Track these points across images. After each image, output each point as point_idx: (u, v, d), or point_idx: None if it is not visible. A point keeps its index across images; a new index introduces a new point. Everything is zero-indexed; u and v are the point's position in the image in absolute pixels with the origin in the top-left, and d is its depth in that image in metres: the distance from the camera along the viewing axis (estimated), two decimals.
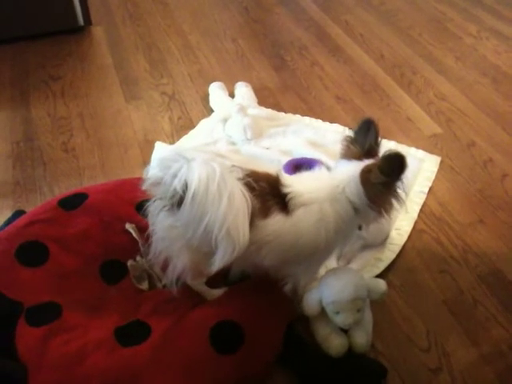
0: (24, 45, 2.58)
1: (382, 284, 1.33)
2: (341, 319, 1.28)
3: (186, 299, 1.33)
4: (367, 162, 1.19)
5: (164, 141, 2.00)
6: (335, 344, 1.30)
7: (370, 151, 1.21)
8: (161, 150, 1.92)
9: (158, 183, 1.15)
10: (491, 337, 1.40)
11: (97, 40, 2.67)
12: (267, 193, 1.18)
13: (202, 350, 1.20)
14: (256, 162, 1.84)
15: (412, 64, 2.49)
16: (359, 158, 1.21)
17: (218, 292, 1.36)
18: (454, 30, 2.75)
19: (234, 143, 1.99)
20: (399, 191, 1.18)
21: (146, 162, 1.90)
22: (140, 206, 1.40)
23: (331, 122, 2.10)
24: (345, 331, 1.32)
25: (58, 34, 2.64)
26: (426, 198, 1.78)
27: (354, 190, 1.18)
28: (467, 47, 2.61)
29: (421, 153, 1.96)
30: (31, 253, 1.37)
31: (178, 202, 1.11)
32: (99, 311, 1.31)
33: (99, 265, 1.41)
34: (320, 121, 2.11)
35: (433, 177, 1.86)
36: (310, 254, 1.25)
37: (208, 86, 2.25)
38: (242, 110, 2.03)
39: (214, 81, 2.28)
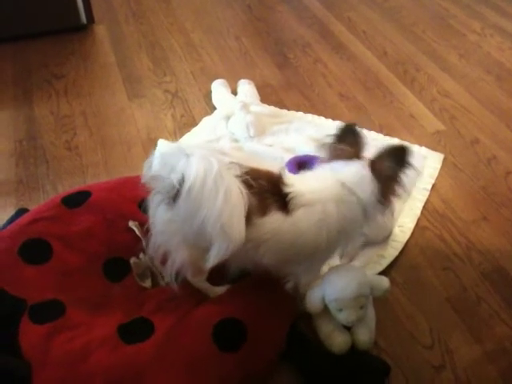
0: (26, 43, 2.58)
1: (384, 281, 1.33)
2: (344, 316, 1.28)
3: (189, 297, 1.33)
4: (365, 160, 1.19)
5: (167, 138, 1.99)
6: (338, 341, 1.30)
7: (360, 151, 1.24)
8: (163, 148, 1.92)
9: (157, 177, 1.16)
10: (494, 334, 1.40)
11: (100, 38, 2.67)
12: (266, 191, 1.18)
13: (205, 348, 1.20)
14: (259, 160, 1.84)
15: (415, 61, 2.48)
16: (355, 157, 1.22)
17: (220, 289, 1.36)
18: (457, 27, 2.74)
19: (236, 140, 1.98)
20: (404, 178, 1.22)
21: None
22: (143, 204, 1.40)
23: (334, 119, 2.09)
24: (348, 328, 1.32)
25: (61, 33, 2.64)
26: (429, 195, 1.78)
27: (367, 187, 1.19)
28: (471, 44, 2.60)
29: (424, 150, 1.96)
30: (35, 250, 1.37)
31: (175, 195, 1.11)
32: (103, 309, 1.31)
33: (102, 262, 1.41)
34: (323, 118, 2.11)
35: (436, 174, 1.86)
36: (311, 254, 1.25)
37: (211, 83, 2.25)
38: (245, 107, 2.02)
39: (217, 78, 2.28)
